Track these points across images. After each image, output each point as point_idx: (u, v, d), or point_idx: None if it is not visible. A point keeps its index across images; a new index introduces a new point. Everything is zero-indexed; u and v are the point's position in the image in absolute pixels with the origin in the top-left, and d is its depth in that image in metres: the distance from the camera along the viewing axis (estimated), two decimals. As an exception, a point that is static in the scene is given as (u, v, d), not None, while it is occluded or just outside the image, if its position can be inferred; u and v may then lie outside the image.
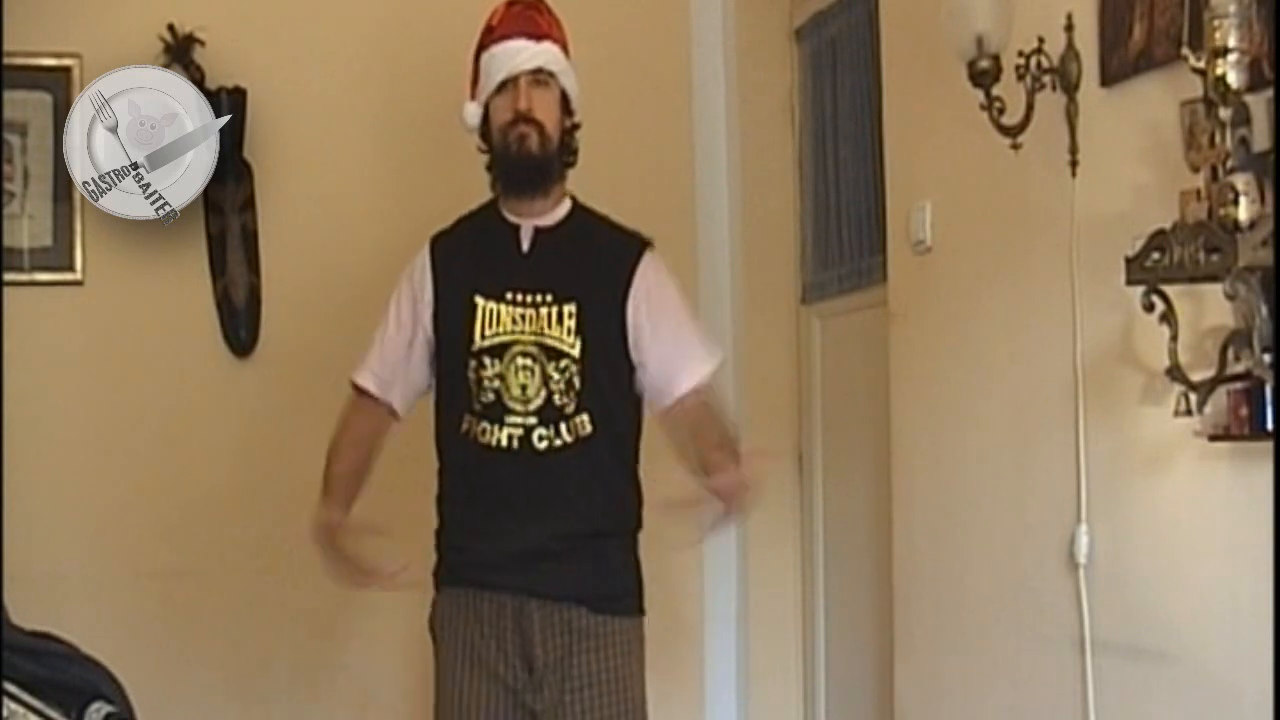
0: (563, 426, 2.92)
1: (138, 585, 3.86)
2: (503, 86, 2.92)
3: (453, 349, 2.99)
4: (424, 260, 3.06)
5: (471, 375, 2.96)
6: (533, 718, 2.93)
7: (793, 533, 4.19)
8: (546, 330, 2.93)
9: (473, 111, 2.98)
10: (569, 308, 2.92)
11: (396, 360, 3.08)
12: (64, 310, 3.86)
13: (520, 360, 2.92)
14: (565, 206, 3.03)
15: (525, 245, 2.99)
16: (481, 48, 2.97)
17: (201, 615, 3.89)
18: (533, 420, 2.92)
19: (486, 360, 2.94)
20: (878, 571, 3.56)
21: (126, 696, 2.03)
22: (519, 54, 2.91)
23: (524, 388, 2.92)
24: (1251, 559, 2.24)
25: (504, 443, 2.93)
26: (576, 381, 2.91)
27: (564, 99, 2.97)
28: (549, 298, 2.93)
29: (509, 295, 2.95)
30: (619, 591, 2.99)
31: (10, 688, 1.90)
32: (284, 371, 3.98)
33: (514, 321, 2.94)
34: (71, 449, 3.86)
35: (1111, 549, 2.62)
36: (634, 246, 3.02)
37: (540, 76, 2.92)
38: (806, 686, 4.17)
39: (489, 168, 3.02)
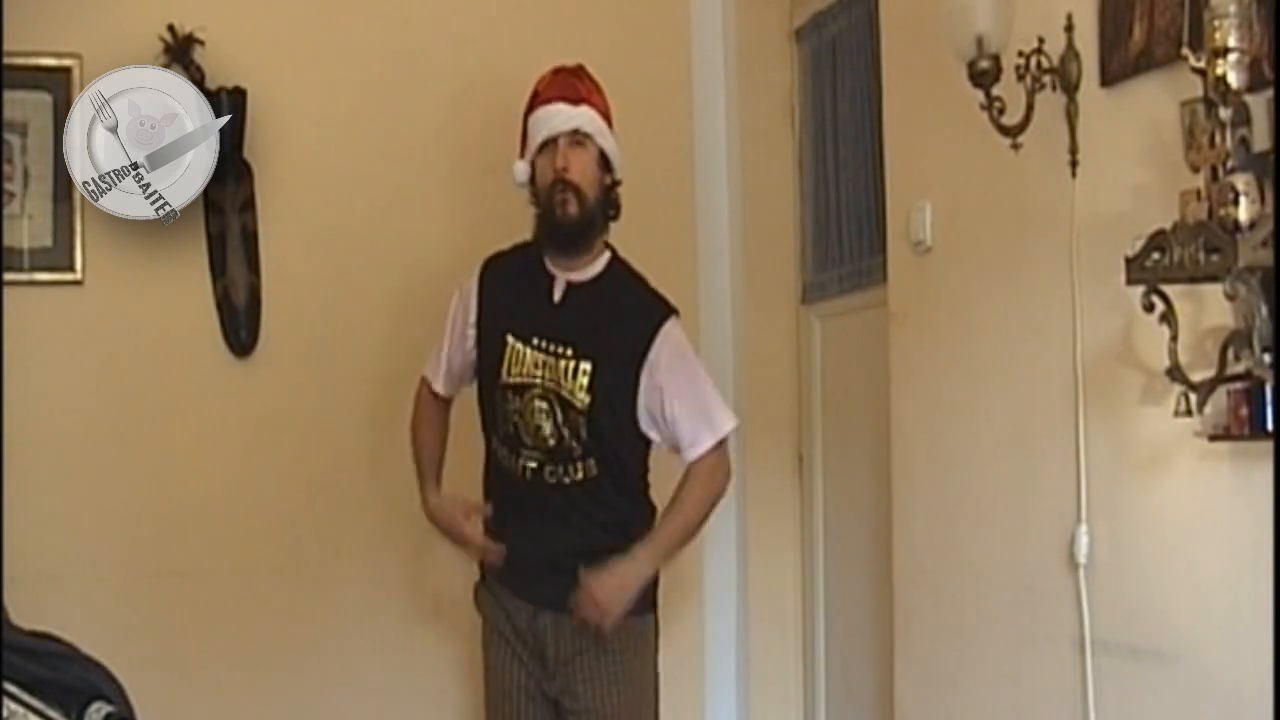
0: (571, 467, 3.17)
1: (138, 585, 3.86)
2: (544, 146, 3.17)
3: (486, 376, 3.26)
4: (474, 284, 3.32)
5: (498, 405, 3.23)
6: (551, 702, 3.23)
7: (793, 533, 4.19)
8: (563, 381, 3.15)
9: (521, 169, 3.24)
10: (585, 365, 3.14)
11: (450, 365, 3.39)
12: (64, 310, 3.85)
13: (538, 403, 3.16)
14: (602, 262, 3.24)
15: (557, 296, 3.22)
16: (529, 110, 3.24)
17: (201, 615, 3.89)
18: (544, 457, 3.18)
19: (510, 395, 3.20)
20: (878, 571, 3.56)
21: (126, 696, 2.03)
22: (557, 116, 3.17)
23: (539, 429, 3.17)
24: (1251, 559, 2.24)
25: (519, 472, 3.21)
26: (584, 432, 3.14)
27: (603, 158, 3.20)
28: (569, 351, 3.15)
29: (535, 340, 3.18)
30: None
31: (10, 688, 1.90)
32: (284, 371, 3.98)
33: (536, 366, 3.17)
34: (71, 449, 3.85)
35: (1111, 549, 2.63)
36: (656, 316, 3.22)
37: (578, 137, 3.17)
38: (806, 686, 4.17)
39: (538, 218, 3.25)
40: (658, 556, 3.22)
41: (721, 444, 3.26)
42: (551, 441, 3.17)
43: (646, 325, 3.19)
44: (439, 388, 3.41)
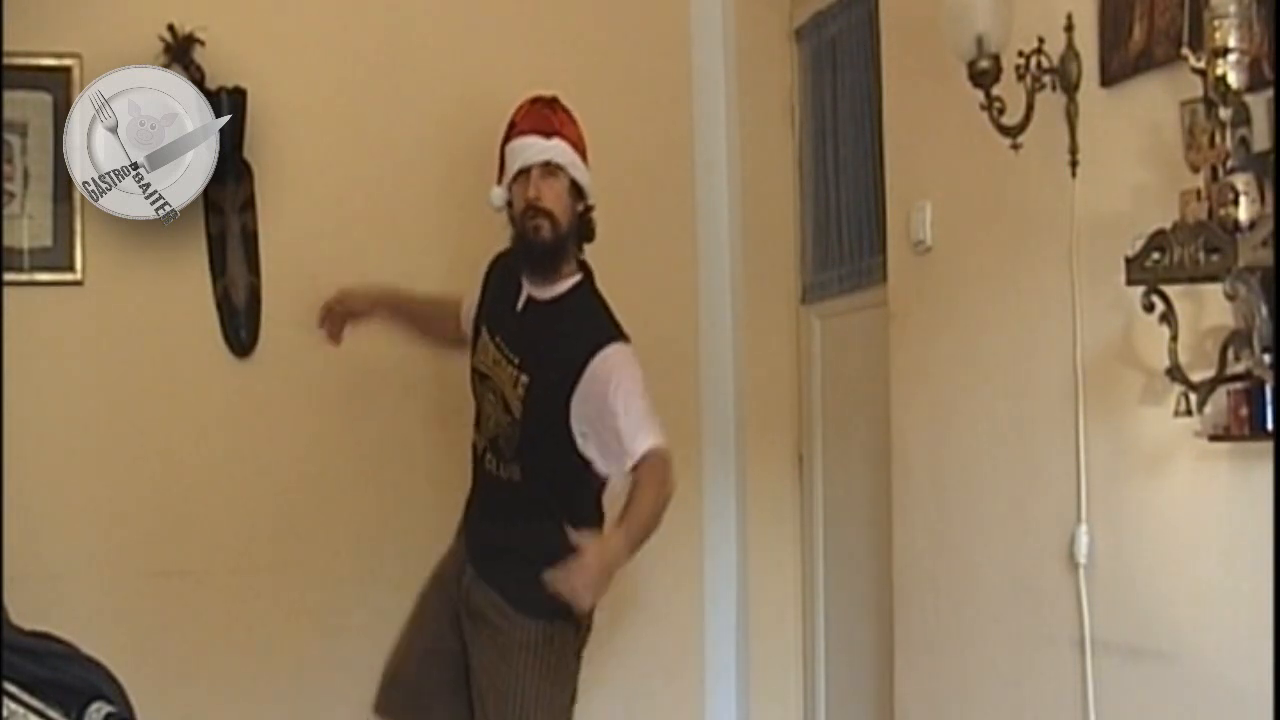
0: (503, 465, 3.33)
1: (138, 585, 3.86)
2: (519, 175, 3.30)
3: (471, 346, 3.45)
4: (483, 272, 3.49)
5: (471, 382, 3.40)
6: (461, 641, 3.37)
7: (793, 533, 4.19)
8: (505, 386, 3.28)
9: (498, 194, 3.36)
10: (524, 379, 3.26)
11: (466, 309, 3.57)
12: (64, 310, 3.85)
13: (490, 396, 3.33)
14: (566, 284, 3.33)
15: (519, 306, 3.35)
16: (505, 140, 3.36)
17: (201, 615, 3.89)
18: (489, 445, 3.36)
19: (476, 378, 3.39)
20: (878, 571, 3.56)
21: (126, 696, 2.03)
22: (530, 148, 3.29)
23: (489, 417, 3.34)
24: (1251, 559, 2.24)
25: (479, 447, 3.41)
26: (515, 438, 3.29)
27: (575, 186, 3.30)
28: (517, 361, 3.28)
29: (497, 339, 3.34)
30: (526, 594, 3.18)
31: (10, 688, 1.90)
32: (284, 371, 3.98)
33: (494, 362, 3.32)
34: (71, 449, 3.86)
35: (1111, 549, 2.63)
36: (593, 343, 3.23)
37: (550, 168, 3.28)
38: (806, 686, 4.17)
39: (514, 239, 3.38)
40: (628, 545, 3.10)
41: (660, 454, 3.16)
42: (495, 432, 3.33)
43: (582, 354, 3.21)
44: (464, 305, 3.57)
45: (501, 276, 3.43)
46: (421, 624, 3.48)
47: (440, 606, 3.43)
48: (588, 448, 3.24)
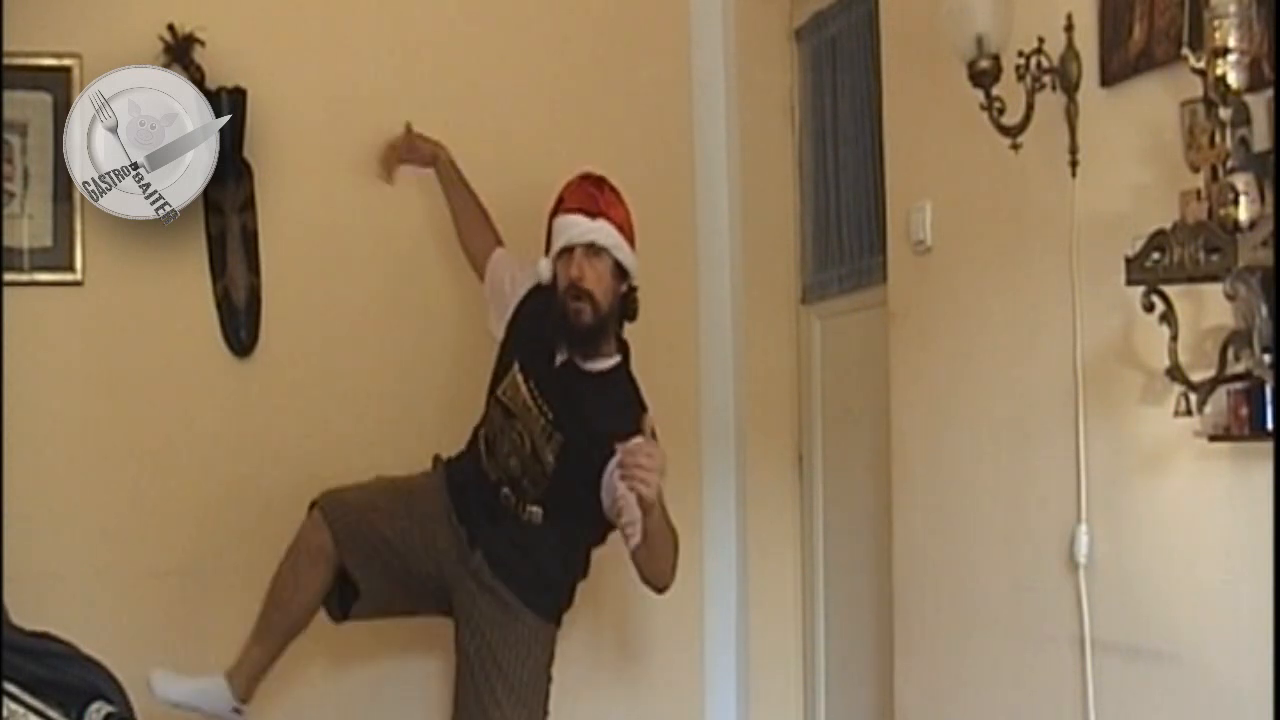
0: (524, 503, 3.37)
1: (138, 585, 3.86)
2: (562, 253, 3.34)
3: (494, 373, 3.46)
4: (521, 294, 3.50)
5: (490, 407, 3.45)
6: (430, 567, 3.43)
7: (793, 533, 4.19)
8: (537, 436, 3.31)
9: (545, 266, 3.40)
10: (558, 436, 3.29)
11: (497, 272, 3.64)
12: (64, 310, 3.85)
13: (515, 436, 3.35)
14: (609, 363, 3.37)
15: (558, 360, 3.37)
16: (552, 214, 3.41)
17: (201, 615, 3.89)
18: (505, 478, 3.38)
19: (499, 409, 3.39)
20: (878, 571, 3.56)
21: (126, 696, 2.03)
22: (574, 228, 3.33)
23: (510, 455, 3.36)
24: (1251, 559, 2.24)
25: (490, 475, 3.42)
26: (543, 486, 3.34)
27: (618, 267, 3.35)
28: (551, 415, 3.31)
29: (530, 384, 3.35)
30: (539, 597, 3.39)
31: (10, 688, 1.90)
32: (284, 371, 3.98)
33: (524, 405, 3.34)
34: (71, 449, 3.86)
35: (1111, 549, 2.63)
36: (628, 426, 3.17)
37: (593, 249, 3.33)
38: (806, 685, 4.17)
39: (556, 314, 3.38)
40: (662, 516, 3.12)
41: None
42: (516, 473, 3.36)
43: (613, 432, 3.17)
44: (495, 257, 3.67)
45: (536, 314, 3.43)
46: (394, 522, 3.44)
47: (420, 535, 3.43)
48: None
